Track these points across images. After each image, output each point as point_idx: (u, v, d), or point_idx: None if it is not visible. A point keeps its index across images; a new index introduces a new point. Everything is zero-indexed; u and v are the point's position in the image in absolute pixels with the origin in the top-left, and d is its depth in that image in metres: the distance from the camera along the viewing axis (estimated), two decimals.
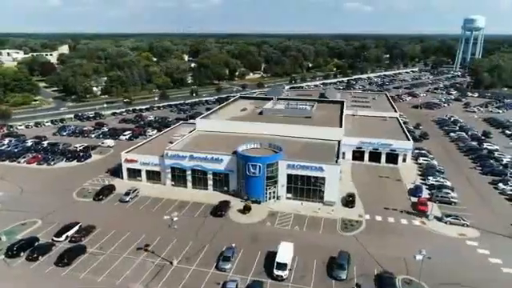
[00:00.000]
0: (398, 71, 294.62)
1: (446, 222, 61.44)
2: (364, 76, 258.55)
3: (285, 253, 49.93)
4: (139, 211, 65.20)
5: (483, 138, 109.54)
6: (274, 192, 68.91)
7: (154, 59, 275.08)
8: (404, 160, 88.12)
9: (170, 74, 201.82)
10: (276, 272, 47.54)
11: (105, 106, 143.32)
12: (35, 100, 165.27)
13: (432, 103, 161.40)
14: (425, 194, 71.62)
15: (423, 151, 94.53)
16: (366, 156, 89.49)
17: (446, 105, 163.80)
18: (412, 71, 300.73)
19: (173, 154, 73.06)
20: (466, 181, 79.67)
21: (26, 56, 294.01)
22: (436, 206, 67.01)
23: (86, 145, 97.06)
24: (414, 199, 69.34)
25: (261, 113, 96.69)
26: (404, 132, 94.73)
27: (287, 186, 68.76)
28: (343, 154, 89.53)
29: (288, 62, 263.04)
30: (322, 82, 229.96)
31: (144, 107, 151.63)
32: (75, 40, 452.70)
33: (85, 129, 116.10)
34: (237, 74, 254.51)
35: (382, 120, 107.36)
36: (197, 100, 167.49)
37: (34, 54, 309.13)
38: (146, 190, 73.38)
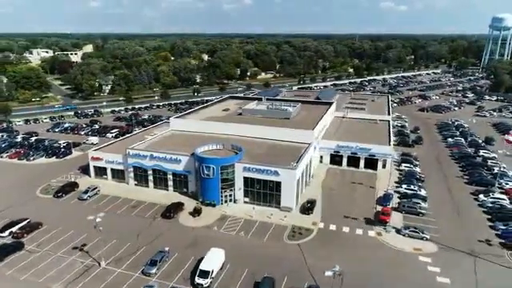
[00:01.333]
0: (417, 72, 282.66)
1: (404, 235, 57.05)
2: (379, 77, 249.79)
3: (211, 260, 47.83)
4: (92, 210, 64.90)
5: (483, 144, 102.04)
6: (230, 195, 66.87)
7: (173, 58, 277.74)
8: (384, 166, 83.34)
9: (177, 73, 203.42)
10: (197, 280, 45.58)
11: (104, 103, 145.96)
12: (46, 97, 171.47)
13: (441, 106, 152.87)
14: (394, 202, 67.20)
15: (409, 157, 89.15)
16: (345, 160, 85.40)
17: (456, 108, 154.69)
18: (434, 72, 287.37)
19: (134, 153, 72.57)
20: (446, 190, 74.12)
21: (51, 55, 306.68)
22: (402, 217, 62.76)
23: (68, 141, 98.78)
24: (381, 208, 65.13)
25: (240, 113, 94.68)
26: (389, 136, 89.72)
27: (244, 189, 66.54)
28: (321, 157, 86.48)
29: (301, 63, 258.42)
30: (333, 82, 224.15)
31: (143, 106, 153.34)
32: (105, 40, 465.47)
33: (78, 126, 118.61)
34: (248, 74, 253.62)
35: (373, 123, 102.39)
36: (198, 99, 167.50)
37: (61, 53, 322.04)
38: (109, 188, 73.33)
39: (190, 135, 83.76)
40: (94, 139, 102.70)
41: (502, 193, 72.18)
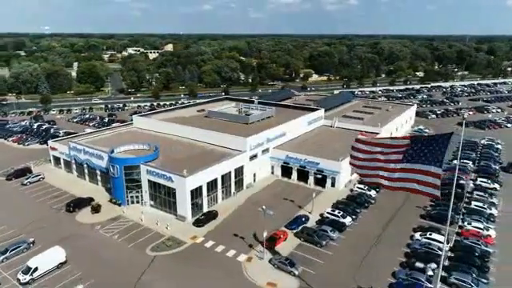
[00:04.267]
0: (502, 80, 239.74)
1: (273, 265, 49.60)
2: (447, 84, 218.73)
3: (43, 258, 48.21)
4: (18, 194, 70.84)
5: (497, 171, 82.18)
6: (136, 196, 66.23)
7: (242, 58, 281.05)
8: (333, 184, 73.28)
9: (219, 73, 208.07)
10: (18, 275, 46.48)
11: (132, 98, 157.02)
12: (101, 90, 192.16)
13: (489, 121, 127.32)
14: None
15: None
16: (294, 173, 77.43)
17: (510, 125, 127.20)
18: None
19: (73, 146, 76.77)
20: (383, 221, 61.82)
21: (132, 53, 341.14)
22: (295, 245, 54.68)
23: (69, 131, 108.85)
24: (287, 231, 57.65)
25: (207, 115, 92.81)
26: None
27: (150, 192, 65.24)
28: (272, 168, 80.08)
29: (359, 65, 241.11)
30: (383, 88, 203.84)
31: (168, 103, 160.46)
32: (192, 39, 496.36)
33: (92, 118, 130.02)
34: (301, 75, 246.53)
35: (355, 134, 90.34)
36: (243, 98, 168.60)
37: (142, 51, 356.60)
38: (55, 177, 78.89)
39: (145, 133, 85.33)
40: (88, 130, 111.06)
41: (458, 233, 57.72)
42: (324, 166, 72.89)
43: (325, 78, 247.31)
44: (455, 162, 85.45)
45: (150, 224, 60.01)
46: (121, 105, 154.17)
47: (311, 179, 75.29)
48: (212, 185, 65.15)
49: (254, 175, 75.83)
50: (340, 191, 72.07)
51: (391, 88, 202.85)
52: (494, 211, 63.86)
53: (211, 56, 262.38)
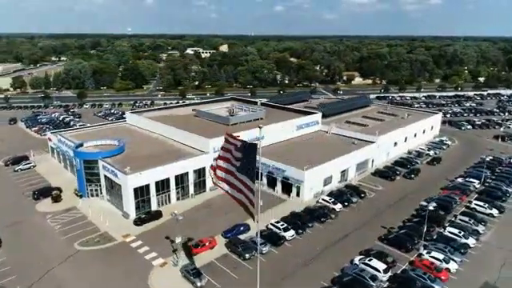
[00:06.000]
0: None
1: (182, 273, 47.16)
2: (508, 91, 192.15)
3: None
4: (5, 180, 76.97)
5: (506, 193, 69.82)
6: (96, 190, 67.96)
7: (293, 59, 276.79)
8: (298, 193, 68.01)
9: (254, 73, 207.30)
10: None
11: (159, 96, 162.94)
12: (140, 87, 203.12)
13: None
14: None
15: (347, 191, 69.76)
16: (265, 180, 73.44)
17: None
18: None
19: (59, 138, 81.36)
20: (335, 239, 55.68)
21: (190, 53, 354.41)
22: (219, 255, 51.67)
23: (84, 123, 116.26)
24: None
25: (196, 115, 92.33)
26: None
27: (106, 187, 66.52)
28: None
29: (407, 68, 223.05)
30: (427, 93, 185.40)
31: (192, 102, 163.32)
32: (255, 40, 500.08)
33: (113, 113, 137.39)
34: (344, 78, 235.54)
35: (350, 143, 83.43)
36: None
37: (204, 51, 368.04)
38: (46, 166, 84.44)
39: (131, 130, 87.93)
40: None
41: (411, 262, 49.91)
42: (290, 174, 68.12)
43: (370, 81, 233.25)
44: (460, 180, 75.17)
45: (95, 218, 61.10)
46: (149, 102, 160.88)
47: (279, 186, 70.90)
48: (163, 184, 64.39)
49: None
50: (305, 202, 66.72)
51: (437, 94, 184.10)
52: (470, 241, 54.00)
53: (254, 56, 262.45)
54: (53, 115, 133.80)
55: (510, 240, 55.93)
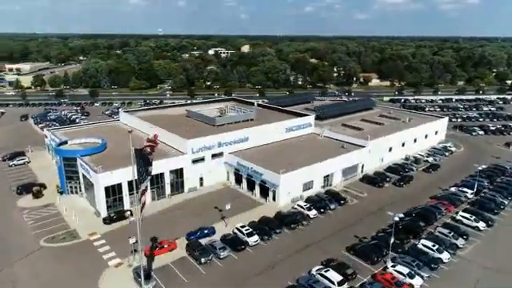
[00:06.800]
0: None
1: (133, 275, 46.72)
2: None
3: None
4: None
5: (497, 208, 64.77)
6: (75, 187, 69.03)
7: (314, 60, 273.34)
8: (274, 198, 66.14)
9: (267, 73, 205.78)
10: None
11: (168, 95, 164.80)
12: (154, 87, 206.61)
13: None
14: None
15: (326, 197, 67.16)
16: (244, 182, 72.08)
17: None
18: None
19: (49, 134, 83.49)
20: (301, 247, 53.55)
21: (211, 53, 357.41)
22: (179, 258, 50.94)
23: (86, 122, 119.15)
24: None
25: (188, 115, 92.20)
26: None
27: (84, 184, 67.44)
28: (227, 173, 76.12)
29: (427, 70, 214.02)
30: (445, 97, 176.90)
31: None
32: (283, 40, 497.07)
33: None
34: (361, 79, 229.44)
35: (339, 146, 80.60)
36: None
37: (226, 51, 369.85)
38: (40, 163, 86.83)
39: (121, 128, 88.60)
40: None
41: (373, 275, 47.16)
42: (266, 178, 66.38)
43: (388, 82, 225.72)
44: (453, 189, 71.00)
45: (68, 215, 61.97)
46: (157, 101, 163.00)
47: (257, 190, 69.34)
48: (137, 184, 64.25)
49: (201, 179, 72.83)
50: (280, 206, 64.77)
51: (455, 97, 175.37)
52: (444, 256, 50.36)
53: (271, 57, 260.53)
54: (62, 113, 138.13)
55: (492, 256, 51.87)
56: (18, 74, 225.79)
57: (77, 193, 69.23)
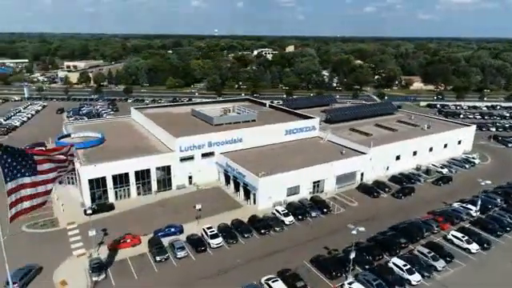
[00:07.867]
0: None
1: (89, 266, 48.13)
2: None
3: None
4: None
5: (499, 229, 57.38)
6: (72, 178, 72.65)
7: (359, 62, 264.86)
8: (254, 201, 64.44)
9: (300, 75, 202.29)
10: None
11: (196, 94, 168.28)
12: (190, 85, 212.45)
13: None
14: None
15: (313, 204, 63.91)
16: (232, 183, 71.15)
17: None
18: None
19: (63, 128, 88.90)
20: (266, 253, 51.58)
21: (255, 53, 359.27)
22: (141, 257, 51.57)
23: (111, 116, 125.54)
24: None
25: (193, 114, 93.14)
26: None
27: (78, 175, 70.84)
28: (218, 173, 75.95)
29: (477, 74, 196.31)
30: (491, 103, 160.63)
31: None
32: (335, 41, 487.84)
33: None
34: (403, 83, 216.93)
35: (339, 150, 76.74)
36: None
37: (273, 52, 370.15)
38: None
39: (129, 125, 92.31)
40: None
41: None
42: (248, 180, 64.99)
43: (432, 86, 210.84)
44: (456, 205, 64.90)
45: (56, 203, 65.44)
46: (186, 100, 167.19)
47: (241, 192, 68.16)
48: (122, 178, 66.28)
49: (190, 178, 73.15)
50: (259, 210, 63.03)
51: (503, 105, 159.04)
52: (414, 277, 45.55)
53: (311, 57, 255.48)
54: (94, 108, 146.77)
55: (475, 284, 46.08)
56: (71, 71, 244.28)
57: (73, 183, 72.98)
